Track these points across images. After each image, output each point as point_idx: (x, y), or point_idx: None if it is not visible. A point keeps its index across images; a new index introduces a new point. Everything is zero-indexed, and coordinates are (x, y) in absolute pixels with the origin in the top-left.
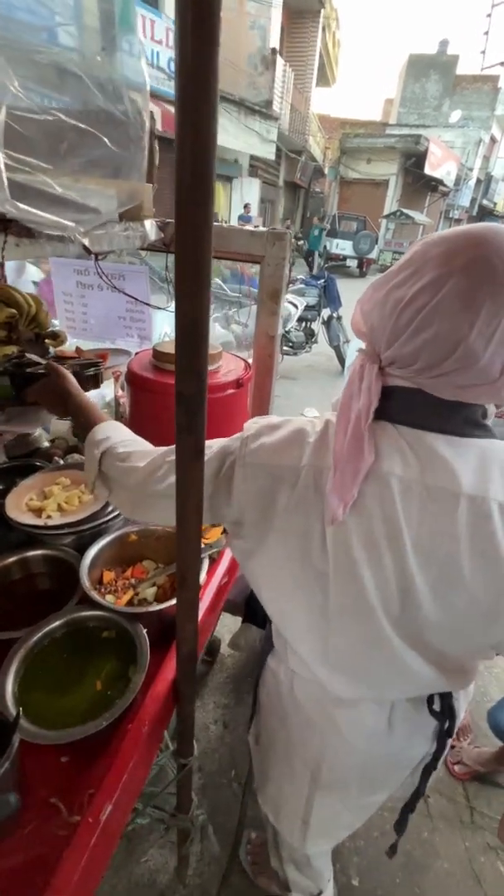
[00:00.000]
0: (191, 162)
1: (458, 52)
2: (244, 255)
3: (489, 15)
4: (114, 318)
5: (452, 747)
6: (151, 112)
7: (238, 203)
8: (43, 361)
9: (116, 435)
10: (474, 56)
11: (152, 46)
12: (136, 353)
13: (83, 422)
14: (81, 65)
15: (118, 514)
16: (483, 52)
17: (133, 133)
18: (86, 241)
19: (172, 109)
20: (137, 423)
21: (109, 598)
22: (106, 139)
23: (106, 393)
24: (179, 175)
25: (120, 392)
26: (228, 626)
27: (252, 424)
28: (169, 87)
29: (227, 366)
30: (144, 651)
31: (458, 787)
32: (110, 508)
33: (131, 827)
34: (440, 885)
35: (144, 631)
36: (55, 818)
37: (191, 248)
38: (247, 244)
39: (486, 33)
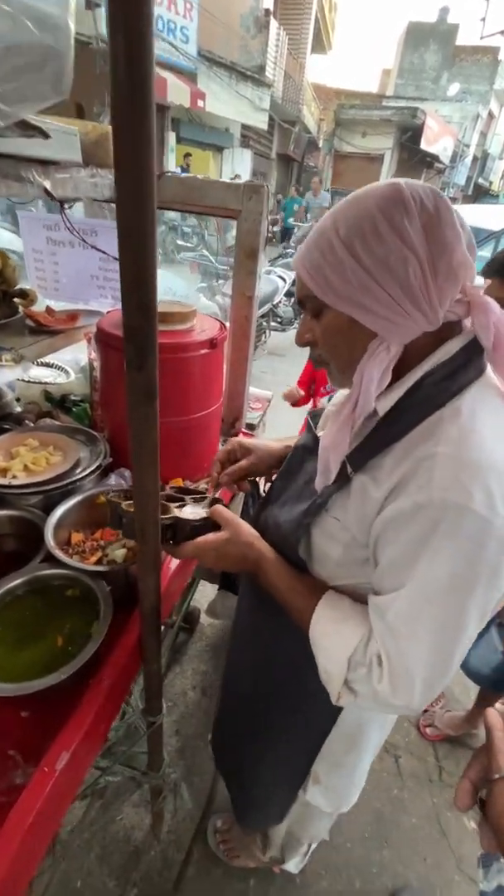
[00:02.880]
0: (125, 57)
1: (458, 21)
2: (220, 210)
3: None
4: (86, 277)
5: (425, 711)
6: None
7: (228, 174)
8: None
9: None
10: (474, 24)
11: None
12: (108, 312)
13: (290, 605)
14: None
15: (87, 475)
16: (483, 20)
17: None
18: (47, 184)
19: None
20: (107, 381)
21: (77, 558)
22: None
23: (80, 358)
24: (114, 74)
25: (93, 354)
26: (209, 596)
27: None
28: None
29: (202, 325)
30: (107, 605)
31: (428, 747)
32: (79, 469)
33: (103, 784)
34: (407, 838)
35: (108, 588)
36: (13, 770)
37: (131, 155)
38: (222, 197)
39: None
